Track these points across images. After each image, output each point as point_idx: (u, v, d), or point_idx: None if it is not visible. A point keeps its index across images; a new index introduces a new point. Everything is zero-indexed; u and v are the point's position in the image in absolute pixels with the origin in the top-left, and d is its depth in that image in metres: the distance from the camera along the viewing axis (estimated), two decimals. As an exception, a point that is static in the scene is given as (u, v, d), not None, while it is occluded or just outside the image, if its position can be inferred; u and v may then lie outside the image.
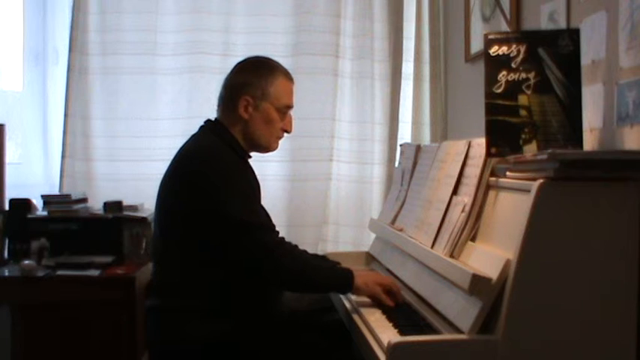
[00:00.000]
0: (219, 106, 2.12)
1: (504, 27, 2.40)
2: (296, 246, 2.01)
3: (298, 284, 1.98)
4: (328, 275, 1.99)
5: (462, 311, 1.57)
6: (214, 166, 1.95)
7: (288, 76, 2.14)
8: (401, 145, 2.79)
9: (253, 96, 2.05)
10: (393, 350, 1.48)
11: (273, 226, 2.00)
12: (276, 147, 2.16)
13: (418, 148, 2.46)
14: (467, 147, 1.88)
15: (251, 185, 2.03)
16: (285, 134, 2.16)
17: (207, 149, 2.01)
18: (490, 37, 1.75)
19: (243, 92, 2.05)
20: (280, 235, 1.99)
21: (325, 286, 2.04)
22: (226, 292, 1.93)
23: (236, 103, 2.05)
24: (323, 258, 2.36)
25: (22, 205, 2.85)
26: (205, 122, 2.13)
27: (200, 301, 1.91)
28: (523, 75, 1.71)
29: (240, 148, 2.08)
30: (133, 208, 2.91)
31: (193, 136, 2.11)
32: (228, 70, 2.18)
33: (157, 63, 3.08)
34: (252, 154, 2.16)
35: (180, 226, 1.95)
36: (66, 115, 3.02)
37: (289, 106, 2.12)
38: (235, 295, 1.93)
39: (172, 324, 1.92)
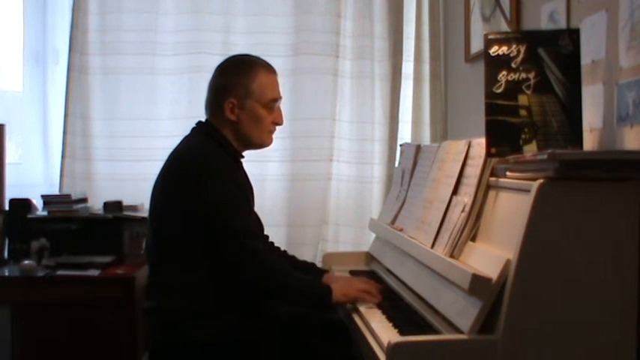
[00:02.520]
0: (206, 108, 2.11)
1: (504, 27, 2.39)
2: (275, 253, 1.98)
3: (272, 296, 1.98)
4: (304, 293, 1.99)
5: (462, 311, 1.57)
6: (204, 168, 1.95)
7: (269, 68, 2.11)
8: (401, 145, 2.78)
9: (237, 97, 2.04)
10: (393, 350, 1.48)
11: (260, 233, 1.99)
12: (271, 141, 2.14)
13: (418, 148, 2.46)
14: (467, 147, 1.88)
15: (241, 188, 2.02)
16: (278, 127, 2.13)
17: (199, 150, 2.01)
18: (490, 37, 1.75)
19: (226, 95, 2.04)
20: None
21: (299, 303, 2.03)
22: (223, 292, 1.92)
23: (222, 106, 2.04)
24: (312, 265, 2.37)
25: (22, 205, 2.85)
26: (197, 124, 2.13)
27: (196, 302, 1.91)
28: (523, 75, 1.71)
29: (232, 149, 2.07)
30: (133, 208, 2.91)
31: (186, 137, 2.10)
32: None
33: (157, 63, 3.08)
34: (249, 152, 2.15)
35: (172, 227, 1.94)
36: (66, 115, 3.02)
37: (275, 99, 2.10)
38: (233, 294, 1.93)
39: (170, 325, 1.91)
